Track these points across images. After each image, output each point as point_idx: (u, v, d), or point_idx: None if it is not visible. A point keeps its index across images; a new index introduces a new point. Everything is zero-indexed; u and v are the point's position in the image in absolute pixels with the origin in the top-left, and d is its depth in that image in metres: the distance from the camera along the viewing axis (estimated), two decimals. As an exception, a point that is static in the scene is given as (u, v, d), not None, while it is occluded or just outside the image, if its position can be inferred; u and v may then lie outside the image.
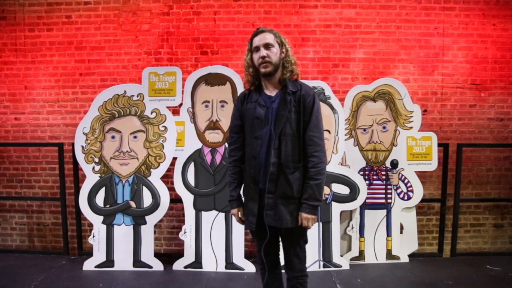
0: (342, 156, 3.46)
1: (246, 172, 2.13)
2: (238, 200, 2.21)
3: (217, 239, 3.40)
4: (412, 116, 3.52)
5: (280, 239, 2.18)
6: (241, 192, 2.23)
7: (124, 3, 3.75)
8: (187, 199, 3.42)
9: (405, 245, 3.58)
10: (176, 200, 3.57)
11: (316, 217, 2.03)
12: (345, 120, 3.49)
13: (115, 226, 3.42)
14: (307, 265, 3.35)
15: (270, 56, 2.02)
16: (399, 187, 3.54)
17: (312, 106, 2.03)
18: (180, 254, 3.49)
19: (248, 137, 2.12)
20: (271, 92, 2.10)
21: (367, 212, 3.55)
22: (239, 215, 2.21)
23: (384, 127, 3.54)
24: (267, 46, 2.03)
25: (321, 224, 3.40)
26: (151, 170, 3.42)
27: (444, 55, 3.78)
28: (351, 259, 3.53)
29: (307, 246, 3.35)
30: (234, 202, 2.20)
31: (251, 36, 2.10)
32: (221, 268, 3.39)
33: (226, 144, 3.39)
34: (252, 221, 2.09)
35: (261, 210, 2.07)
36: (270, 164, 2.00)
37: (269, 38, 2.04)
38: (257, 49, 2.06)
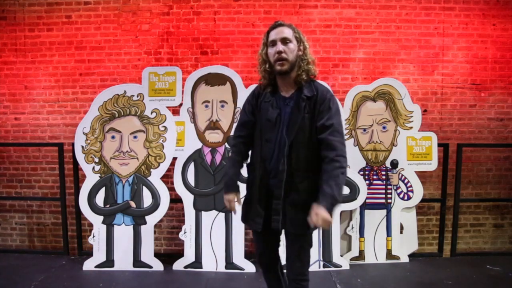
0: (342, 156, 3.45)
1: (254, 174, 2.02)
2: (236, 184, 2.08)
3: (217, 239, 3.40)
4: (412, 116, 3.52)
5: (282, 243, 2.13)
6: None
7: (124, 3, 3.75)
8: (187, 199, 3.42)
9: (405, 245, 3.58)
10: (176, 200, 3.57)
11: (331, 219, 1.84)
12: (345, 120, 3.48)
13: (115, 226, 3.42)
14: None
15: (287, 52, 1.89)
16: (399, 187, 3.54)
17: (328, 111, 1.89)
18: (180, 254, 3.49)
19: (257, 138, 2.02)
20: (286, 92, 1.98)
21: (367, 212, 3.55)
22: (235, 201, 2.07)
23: (384, 127, 3.54)
24: (285, 41, 1.89)
25: (321, 224, 3.40)
26: (151, 170, 3.42)
27: (444, 55, 3.78)
28: (351, 259, 3.53)
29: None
30: (233, 186, 2.06)
31: (268, 29, 1.95)
32: (221, 268, 3.39)
33: (226, 144, 3.39)
34: (259, 222, 2.00)
35: (267, 212, 1.99)
36: (279, 171, 1.92)
37: (287, 32, 1.90)
38: (274, 43, 1.91)
